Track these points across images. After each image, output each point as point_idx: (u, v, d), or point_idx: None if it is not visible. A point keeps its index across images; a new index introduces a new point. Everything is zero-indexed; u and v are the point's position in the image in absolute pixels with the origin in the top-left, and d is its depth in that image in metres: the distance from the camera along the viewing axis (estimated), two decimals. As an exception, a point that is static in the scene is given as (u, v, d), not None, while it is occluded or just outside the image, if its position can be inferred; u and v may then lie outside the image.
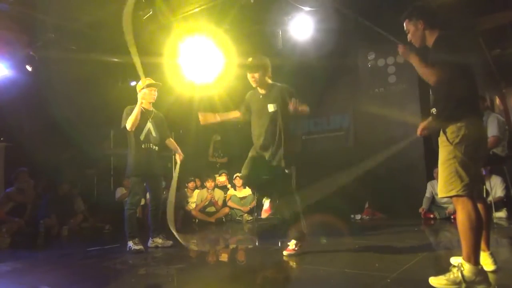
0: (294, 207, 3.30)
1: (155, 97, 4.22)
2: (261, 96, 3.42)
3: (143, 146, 4.07)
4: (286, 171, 3.28)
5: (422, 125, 2.63)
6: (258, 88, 3.44)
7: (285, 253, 3.30)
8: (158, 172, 4.24)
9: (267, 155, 3.32)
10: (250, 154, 3.45)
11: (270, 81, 3.42)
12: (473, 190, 2.14)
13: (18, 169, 5.53)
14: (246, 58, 3.45)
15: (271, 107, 3.30)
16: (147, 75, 4.13)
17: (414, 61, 2.27)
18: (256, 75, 3.33)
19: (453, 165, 2.13)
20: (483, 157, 2.31)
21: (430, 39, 2.36)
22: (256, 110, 3.44)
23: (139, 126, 4.06)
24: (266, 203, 3.43)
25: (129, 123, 3.96)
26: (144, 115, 4.12)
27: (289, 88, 3.37)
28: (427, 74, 2.21)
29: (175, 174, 4.29)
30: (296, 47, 5.94)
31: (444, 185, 2.16)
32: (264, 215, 3.46)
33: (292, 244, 3.32)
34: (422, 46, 2.42)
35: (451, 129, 2.16)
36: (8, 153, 6.72)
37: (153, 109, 4.28)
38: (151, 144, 4.13)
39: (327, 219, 5.09)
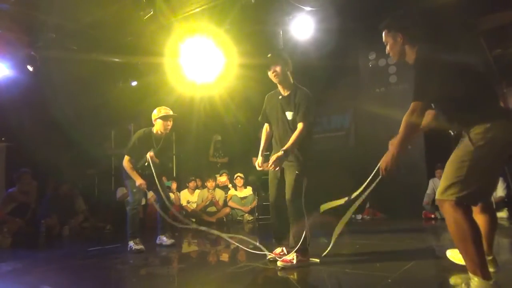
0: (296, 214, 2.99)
1: (169, 127, 4.14)
2: (280, 97, 3.03)
3: (140, 171, 4.06)
4: (293, 176, 2.97)
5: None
6: (280, 87, 3.04)
7: (279, 263, 2.88)
8: (158, 177, 4.12)
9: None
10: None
11: (292, 80, 3.02)
12: (476, 201, 1.99)
13: (20, 170, 5.50)
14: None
15: (289, 115, 2.95)
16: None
17: (400, 142, 2.24)
18: (278, 68, 2.94)
19: (464, 168, 1.90)
20: (502, 165, 2.07)
21: (411, 55, 2.14)
22: (273, 113, 3.08)
23: (141, 155, 4.07)
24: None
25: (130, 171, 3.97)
26: (150, 143, 4.10)
27: (308, 96, 2.94)
28: (410, 124, 2.19)
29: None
30: (297, 47, 5.93)
31: (444, 185, 1.97)
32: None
33: (290, 254, 2.91)
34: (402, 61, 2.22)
35: (476, 129, 1.91)
36: (9, 153, 6.74)
37: (163, 137, 4.17)
38: (146, 170, 4.10)
39: (328, 219, 5.08)
